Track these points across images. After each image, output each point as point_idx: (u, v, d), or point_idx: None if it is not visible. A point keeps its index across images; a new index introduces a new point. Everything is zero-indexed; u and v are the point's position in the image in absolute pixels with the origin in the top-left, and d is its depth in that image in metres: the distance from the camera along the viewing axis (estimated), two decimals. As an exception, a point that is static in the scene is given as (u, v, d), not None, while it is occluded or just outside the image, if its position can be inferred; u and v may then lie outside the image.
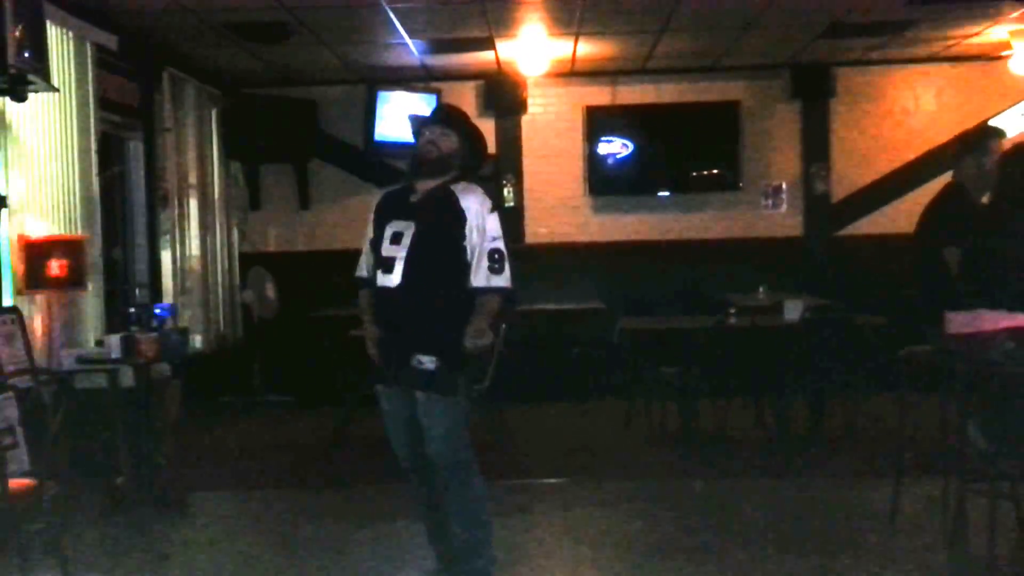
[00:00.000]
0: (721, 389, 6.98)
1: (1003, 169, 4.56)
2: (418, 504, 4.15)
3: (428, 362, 3.80)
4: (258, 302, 9.25)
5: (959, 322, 4.30)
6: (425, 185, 3.95)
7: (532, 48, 8.57)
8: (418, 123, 4.07)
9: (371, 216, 4.09)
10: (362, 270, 4.12)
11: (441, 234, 3.84)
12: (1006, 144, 5.09)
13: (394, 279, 3.87)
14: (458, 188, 3.93)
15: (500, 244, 3.88)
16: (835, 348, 6.70)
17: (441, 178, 3.95)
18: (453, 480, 3.90)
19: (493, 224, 3.89)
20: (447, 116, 4.12)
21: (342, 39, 8.18)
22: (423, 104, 9.19)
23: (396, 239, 3.90)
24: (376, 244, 3.98)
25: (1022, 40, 8.57)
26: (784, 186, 9.91)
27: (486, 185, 4.22)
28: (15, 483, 4.26)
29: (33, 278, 5.86)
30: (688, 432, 6.99)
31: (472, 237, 3.85)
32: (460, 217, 3.86)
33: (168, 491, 5.79)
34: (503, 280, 3.88)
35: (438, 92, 9.53)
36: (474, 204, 3.88)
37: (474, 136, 4.09)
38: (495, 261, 3.85)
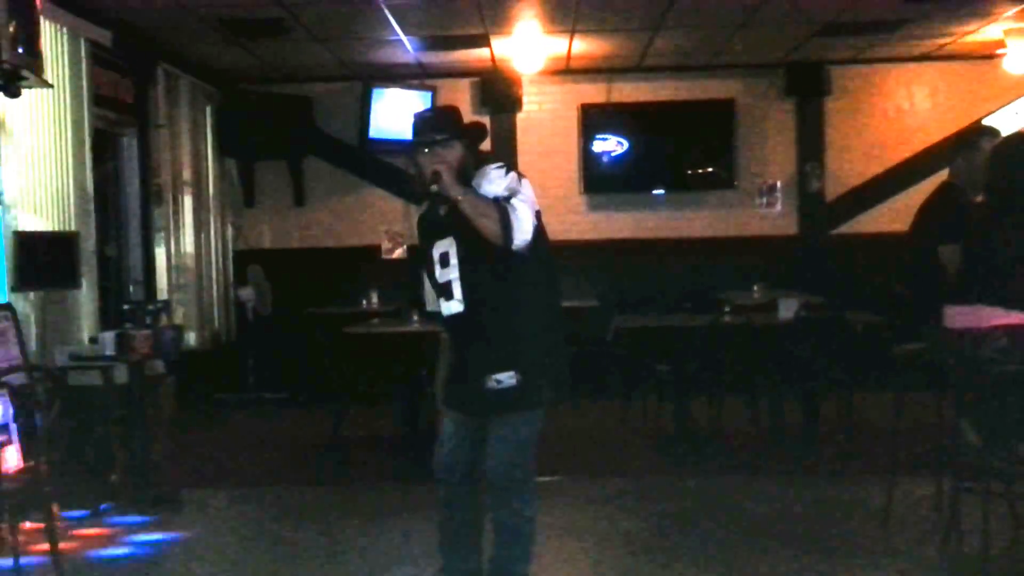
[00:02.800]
0: (716, 387, 6.98)
1: (991, 165, 4.57)
2: (445, 509, 3.90)
3: (507, 378, 3.59)
4: (255, 299, 9.25)
5: (957, 316, 4.30)
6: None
7: (527, 45, 8.57)
8: (415, 140, 3.74)
9: (419, 238, 3.87)
10: (430, 303, 3.86)
11: (483, 238, 3.54)
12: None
13: (457, 305, 3.67)
14: (476, 181, 3.66)
15: (515, 200, 3.56)
16: (829, 346, 6.71)
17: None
18: (502, 497, 3.70)
19: (504, 182, 3.61)
20: (441, 128, 3.72)
21: (337, 36, 8.17)
22: (418, 101, 9.19)
23: (445, 260, 3.69)
24: (430, 270, 3.76)
25: (1016, 39, 8.59)
26: (779, 184, 9.92)
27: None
28: (9, 479, 4.25)
29: (27, 275, 5.84)
30: (682, 430, 6.99)
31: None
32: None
33: (162, 488, 5.78)
34: (515, 211, 3.53)
35: (433, 89, 9.52)
36: (486, 184, 3.62)
37: (470, 130, 3.82)
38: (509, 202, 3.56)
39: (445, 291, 3.70)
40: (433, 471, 3.87)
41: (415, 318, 6.82)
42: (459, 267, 3.65)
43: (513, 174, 3.68)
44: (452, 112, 3.88)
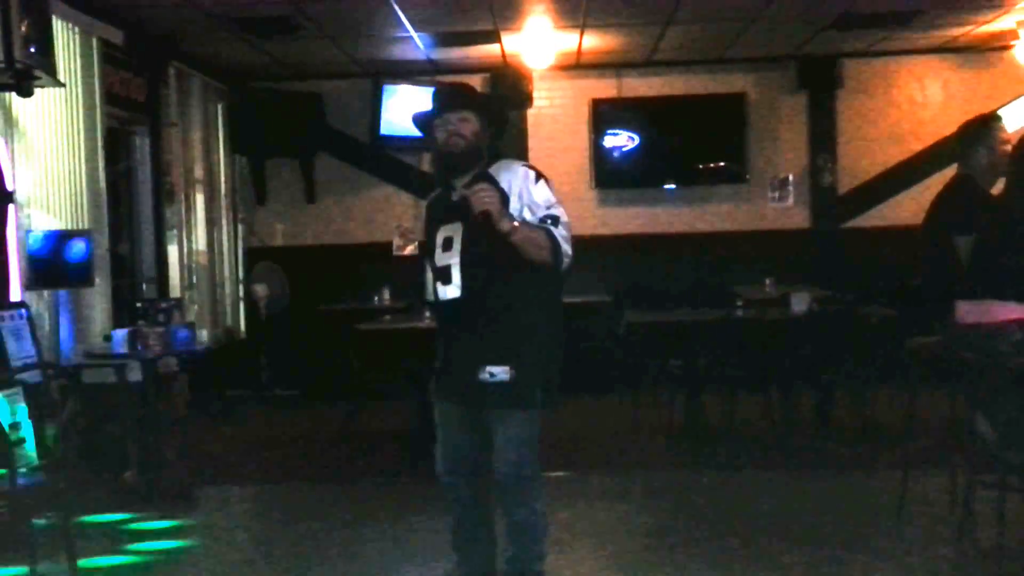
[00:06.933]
0: (728, 382, 6.97)
1: (1014, 158, 4.53)
2: (456, 509, 3.85)
3: (500, 372, 3.48)
4: (268, 296, 9.27)
5: (969, 311, 4.28)
6: (464, 180, 3.58)
7: (538, 41, 8.56)
8: (426, 118, 3.70)
9: (422, 224, 3.82)
10: (429, 292, 3.73)
11: (492, 227, 3.39)
12: (1012, 133, 5.06)
13: (454, 290, 3.55)
14: (495, 169, 3.58)
15: (556, 210, 3.48)
16: (842, 340, 6.69)
17: (477, 167, 3.60)
18: (514, 496, 3.64)
19: (542, 193, 3.51)
20: (457, 98, 3.69)
21: (347, 33, 8.18)
22: (428, 98, 9.17)
23: (448, 245, 3.58)
24: (430, 252, 3.67)
25: (1029, 30, 8.53)
26: (791, 178, 9.89)
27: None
28: (23, 477, 4.27)
29: (41, 273, 5.87)
30: (695, 425, 6.98)
31: (522, 216, 3.47)
32: (506, 199, 3.46)
33: (176, 485, 5.81)
34: (560, 230, 3.46)
35: (444, 85, 9.52)
36: (516, 180, 3.52)
37: (490, 104, 3.75)
38: (551, 222, 3.48)
39: (444, 275, 3.60)
40: (437, 474, 3.81)
41: (427, 315, 6.81)
42: (461, 252, 3.56)
43: (543, 183, 3.56)
44: (467, 87, 3.86)
